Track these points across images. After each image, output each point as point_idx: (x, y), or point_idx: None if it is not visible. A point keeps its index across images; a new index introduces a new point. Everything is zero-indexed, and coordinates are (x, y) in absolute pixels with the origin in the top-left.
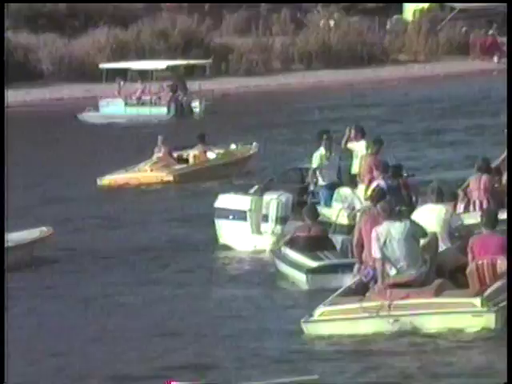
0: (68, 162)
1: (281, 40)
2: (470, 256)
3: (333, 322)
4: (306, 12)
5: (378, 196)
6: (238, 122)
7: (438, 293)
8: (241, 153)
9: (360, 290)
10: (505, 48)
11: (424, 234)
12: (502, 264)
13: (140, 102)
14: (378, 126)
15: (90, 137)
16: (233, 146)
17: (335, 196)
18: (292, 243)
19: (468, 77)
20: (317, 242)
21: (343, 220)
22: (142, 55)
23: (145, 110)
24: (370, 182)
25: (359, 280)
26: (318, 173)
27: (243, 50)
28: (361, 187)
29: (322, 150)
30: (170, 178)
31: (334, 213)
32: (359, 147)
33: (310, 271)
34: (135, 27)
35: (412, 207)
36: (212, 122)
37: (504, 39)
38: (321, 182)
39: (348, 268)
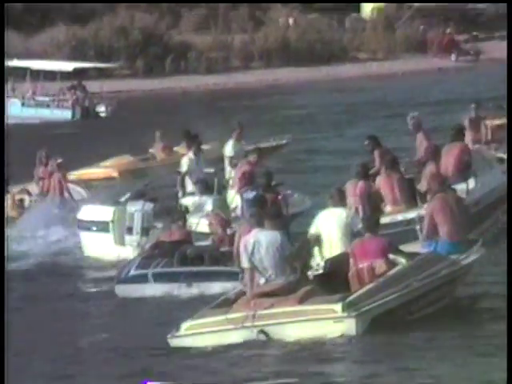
0: None
1: (240, 38)
2: (351, 261)
3: (198, 335)
4: (265, 10)
5: (247, 205)
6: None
7: (303, 300)
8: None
9: (236, 301)
10: (462, 46)
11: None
12: (380, 267)
13: (37, 103)
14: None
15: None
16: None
17: (192, 208)
18: (156, 248)
19: (426, 75)
20: (179, 247)
21: (204, 228)
22: (100, 53)
23: (45, 112)
24: (239, 190)
25: (240, 290)
26: (187, 179)
27: (202, 48)
28: (231, 193)
29: (190, 155)
30: (116, 173)
31: (195, 221)
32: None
33: (117, 280)
34: (94, 25)
35: (282, 216)
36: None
37: (461, 37)
38: (190, 188)
39: (155, 278)
